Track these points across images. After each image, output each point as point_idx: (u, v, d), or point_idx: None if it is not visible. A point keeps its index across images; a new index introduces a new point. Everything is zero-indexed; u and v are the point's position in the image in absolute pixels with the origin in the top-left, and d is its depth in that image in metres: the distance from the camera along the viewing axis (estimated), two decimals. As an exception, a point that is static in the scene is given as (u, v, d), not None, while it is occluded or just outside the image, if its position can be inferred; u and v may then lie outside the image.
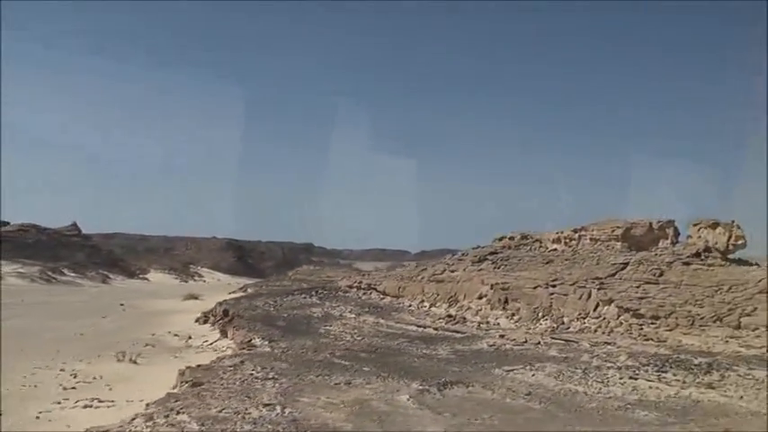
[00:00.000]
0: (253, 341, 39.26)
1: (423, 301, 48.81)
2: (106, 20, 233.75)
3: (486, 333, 39.11)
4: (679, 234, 49.60)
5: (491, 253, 50.85)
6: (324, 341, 37.87)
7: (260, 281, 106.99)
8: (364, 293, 55.71)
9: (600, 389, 24.76)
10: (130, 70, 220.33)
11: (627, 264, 44.33)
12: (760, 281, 40.29)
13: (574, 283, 41.98)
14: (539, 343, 34.92)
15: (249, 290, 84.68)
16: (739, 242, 46.51)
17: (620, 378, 26.30)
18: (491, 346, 34.72)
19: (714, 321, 34.24)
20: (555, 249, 50.99)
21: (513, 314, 42.61)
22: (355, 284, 56.88)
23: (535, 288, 43.30)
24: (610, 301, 38.99)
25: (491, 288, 44.71)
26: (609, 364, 28.78)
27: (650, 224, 48.89)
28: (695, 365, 27.66)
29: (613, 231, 49.22)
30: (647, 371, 27.18)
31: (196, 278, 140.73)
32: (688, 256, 45.43)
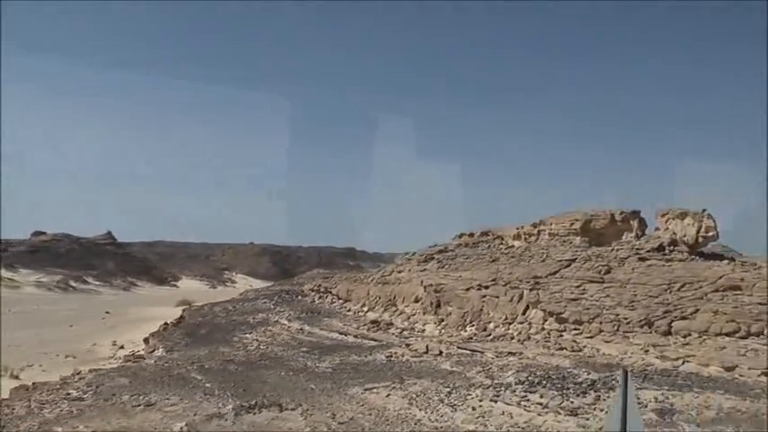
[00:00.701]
0: (155, 351, 36.45)
1: (364, 304, 44.21)
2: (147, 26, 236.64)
3: (404, 341, 34.38)
4: (646, 226, 43.02)
5: (440, 251, 45.74)
6: (225, 350, 35.12)
7: (271, 284, 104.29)
8: (320, 297, 51.59)
9: (444, 414, 20.82)
10: (171, 80, 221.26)
11: (574, 260, 38.42)
12: (720, 277, 33.83)
13: (507, 284, 36.48)
14: (440, 354, 29.99)
15: (250, 294, 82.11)
16: (710, 234, 39.71)
17: (480, 401, 21.69)
18: (388, 357, 30.12)
19: (642, 326, 28.33)
20: (512, 246, 45.28)
21: (443, 319, 37.49)
22: (315, 288, 52.78)
23: (468, 290, 38.00)
24: (537, 304, 33.37)
25: (425, 290, 39.68)
26: (488, 382, 24.22)
27: (612, 216, 42.51)
28: (576, 384, 22.46)
29: (572, 225, 43.16)
30: (515, 391, 22.25)
31: (228, 284, 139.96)
32: (648, 251, 39.05)
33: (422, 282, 40.36)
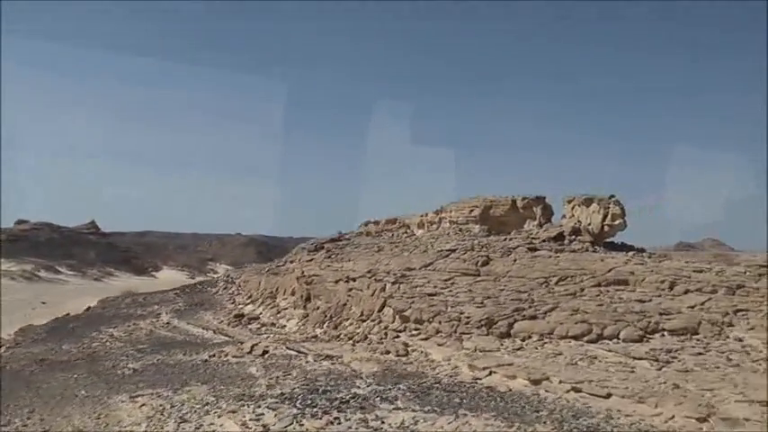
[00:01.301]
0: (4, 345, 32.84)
1: (249, 296, 39.75)
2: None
3: (256, 338, 30.00)
4: (552, 214, 37.78)
5: (332, 240, 40.98)
6: (67, 347, 31.71)
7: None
8: (225, 288, 47.30)
9: (158, 432, 16.04)
10: (159, 69, 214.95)
11: (454, 250, 33.42)
12: (610, 270, 28.67)
13: (372, 276, 31.65)
14: (263, 354, 25.35)
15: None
16: (616, 222, 34.39)
17: (218, 416, 17.27)
18: (209, 357, 25.72)
19: (480, 327, 23.31)
20: (413, 235, 40.35)
21: (308, 314, 32.81)
22: (225, 278, 48.52)
23: (337, 282, 33.26)
24: (390, 299, 28.54)
25: (297, 282, 35.04)
26: (266, 392, 19.71)
27: (513, 202, 37.35)
28: (332, 400, 17.82)
29: (471, 212, 38.11)
30: (249, 405, 17.74)
31: (209, 274, 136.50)
32: (543, 240, 33.88)
33: (302, 272, 35.69)
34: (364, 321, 28.91)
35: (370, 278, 31.38)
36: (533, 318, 23.37)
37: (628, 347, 20.44)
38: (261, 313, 35.08)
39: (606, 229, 34.40)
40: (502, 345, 21.93)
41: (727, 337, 21.80)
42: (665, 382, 16.93)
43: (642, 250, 35.13)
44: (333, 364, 22.89)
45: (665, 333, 22.09)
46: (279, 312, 34.71)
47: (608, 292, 27.24)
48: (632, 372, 17.92)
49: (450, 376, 19.54)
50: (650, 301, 25.72)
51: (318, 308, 32.90)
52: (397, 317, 26.68)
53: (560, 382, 17.36)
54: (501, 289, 27.70)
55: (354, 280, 32.07)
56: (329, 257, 38.08)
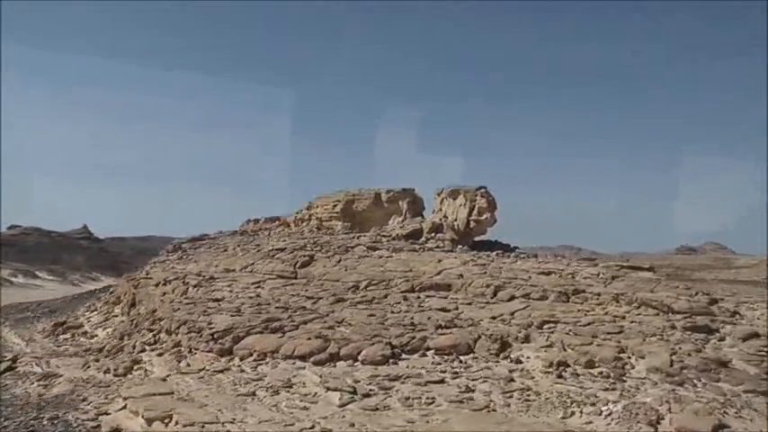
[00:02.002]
0: None
1: (106, 302, 35.35)
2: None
3: (50, 349, 25.63)
4: (423, 208, 32.29)
5: (192, 240, 36.31)
6: None
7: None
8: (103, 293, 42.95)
9: None
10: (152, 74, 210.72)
11: (282, 250, 28.34)
12: (439, 273, 23.29)
13: (181, 279, 26.84)
14: (8, 369, 20.89)
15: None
16: (483, 216, 28.76)
17: None
18: None
19: (210, 342, 18.25)
20: (289, 232, 35.36)
21: (123, 321, 28.18)
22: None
23: (157, 286, 28.55)
24: (162, 304, 23.64)
25: (127, 286, 30.46)
26: None
27: (377, 195, 31.99)
28: None
29: (334, 207, 32.89)
30: None
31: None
32: (393, 238, 28.54)
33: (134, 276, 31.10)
34: (151, 331, 24.00)
35: (179, 281, 26.54)
36: (277, 330, 18.17)
37: (344, 372, 15.07)
38: (90, 320, 30.57)
39: (473, 224, 28.78)
40: (211, 364, 16.82)
41: (508, 356, 16.19)
42: (311, 427, 11.62)
43: (511, 249, 29.30)
44: (40, 385, 18.17)
45: (428, 353, 16.59)
46: (107, 320, 30.17)
47: (418, 298, 21.83)
48: (299, 408, 12.67)
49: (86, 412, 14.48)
50: (456, 309, 20.24)
51: (140, 314, 28.20)
52: (154, 326, 21.79)
53: (177, 423, 12.22)
54: (295, 294, 22.54)
55: (167, 283, 27.26)
56: (181, 259, 33.36)
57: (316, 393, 13.83)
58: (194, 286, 24.68)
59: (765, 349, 16.20)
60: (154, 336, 21.24)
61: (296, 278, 25.15)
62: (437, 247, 27.77)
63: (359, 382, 14.33)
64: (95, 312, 33.56)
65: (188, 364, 17.28)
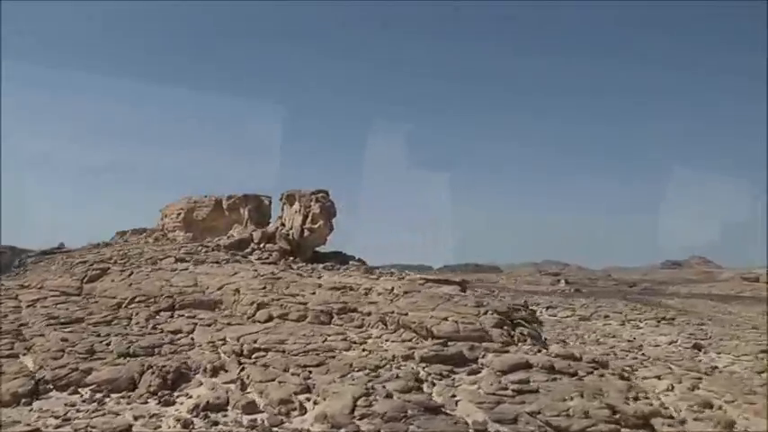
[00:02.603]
0: None
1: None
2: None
3: None
4: (269, 215, 28.61)
5: (43, 253, 32.94)
6: None
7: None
8: None
9: None
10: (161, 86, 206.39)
11: (85, 262, 24.83)
12: (221, 288, 19.64)
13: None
14: None
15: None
16: (317, 225, 25.00)
17: None
18: None
19: None
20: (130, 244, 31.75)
21: None
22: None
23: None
24: None
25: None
26: None
27: (218, 202, 28.38)
28: None
29: (179, 216, 29.32)
30: None
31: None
32: (213, 249, 24.93)
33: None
34: None
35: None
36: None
37: None
38: None
39: (306, 233, 25.02)
40: None
41: (165, 397, 12.39)
42: None
43: (345, 261, 25.32)
44: None
45: (82, 389, 12.84)
46: None
47: (171, 317, 18.11)
48: None
49: None
50: (192, 331, 16.46)
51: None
52: None
53: None
54: (51, 316, 18.90)
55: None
56: (16, 275, 29.96)
57: None
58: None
59: (514, 386, 12.21)
60: None
61: (79, 294, 21.56)
62: (258, 258, 24.04)
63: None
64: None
65: None
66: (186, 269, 22.60)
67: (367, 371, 12.64)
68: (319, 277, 21.40)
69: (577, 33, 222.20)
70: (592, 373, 13.74)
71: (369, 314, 16.78)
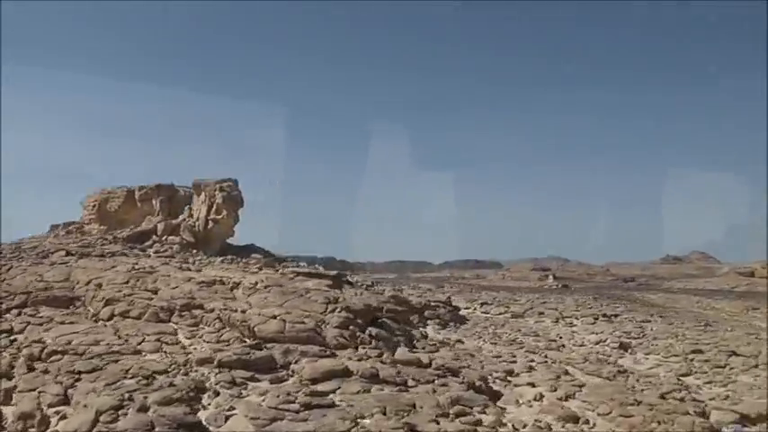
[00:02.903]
0: None
1: None
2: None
3: None
4: (186, 205, 26.73)
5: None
6: None
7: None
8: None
9: None
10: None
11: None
12: (89, 281, 17.86)
13: None
14: None
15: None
16: (221, 216, 23.13)
17: None
18: None
19: None
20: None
21: None
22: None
23: None
24: None
25: None
26: None
27: (130, 192, 26.61)
28: None
29: (93, 208, 27.62)
30: None
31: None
32: (111, 242, 23.19)
33: None
34: None
35: None
36: None
37: None
38: None
39: (210, 225, 23.12)
40: None
41: None
42: None
43: (253, 253, 23.33)
44: None
45: None
46: None
47: (19, 315, 16.32)
48: None
49: None
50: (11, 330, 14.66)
51: None
52: None
53: None
54: None
55: None
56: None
57: None
58: None
59: (306, 399, 10.16)
60: None
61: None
62: (156, 252, 22.21)
63: None
64: None
65: None
66: (66, 263, 20.85)
67: (140, 378, 10.66)
68: (199, 271, 19.48)
69: (582, 29, 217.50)
70: (432, 381, 11.64)
71: (211, 311, 14.81)
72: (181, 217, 25.17)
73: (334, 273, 19.08)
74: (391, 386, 11.02)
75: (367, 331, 13.54)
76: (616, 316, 25.92)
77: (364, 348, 12.73)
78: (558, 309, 26.79)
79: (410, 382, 11.20)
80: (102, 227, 26.94)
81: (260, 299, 15.12)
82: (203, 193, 24.03)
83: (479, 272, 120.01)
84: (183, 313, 14.90)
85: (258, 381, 11.08)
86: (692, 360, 18.96)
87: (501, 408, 11.66)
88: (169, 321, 14.73)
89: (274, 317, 13.14)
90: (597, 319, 24.64)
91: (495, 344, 19.99)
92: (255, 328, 12.69)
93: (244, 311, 13.72)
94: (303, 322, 12.98)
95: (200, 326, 14.22)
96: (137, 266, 19.35)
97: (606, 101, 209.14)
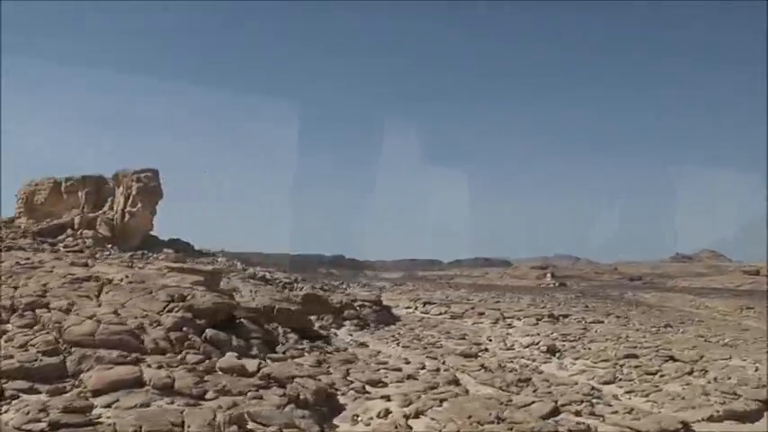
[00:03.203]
0: None
1: None
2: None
3: None
4: (112, 197, 25.45)
5: None
6: None
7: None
8: None
9: None
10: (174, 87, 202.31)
11: None
12: None
13: None
14: None
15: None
16: (136, 207, 21.80)
17: None
18: None
19: None
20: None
21: None
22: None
23: None
24: None
25: None
26: None
27: (56, 184, 25.46)
28: None
29: (22, 201, 26.58)
30: None
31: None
32: (21, 236, 22.05)
33: None
34: None
35: None
36: None
37: None
38: None
39: (127, 217, 21.80)
40: None
41: None
42: None
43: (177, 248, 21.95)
44: None
45: None
46: None
47: None
48: None
49: None
50: None
51: None
52: None
53: None
54: None
55: None
56: None
57: None
58: None
59: (67, 417, 8.65)
60: None
61: None
62: (66, 246, 20.98)
63: None
64: None
65: None
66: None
67: None
68: (91, 267, 18.13)
69: (599, 26, 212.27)
70: (244, 393, 10.00)
71: (59, 310, 13.38)
72: (103, 210, 23.97)
73: (210, 269, 17.58)
74: (185, 398, 9.44)
75: (203, 334, 11.98)
76: (565, 316, 23.96)
77: (189, 354, 11.18)
78: (501, 309, 24.87)
79: (210, 395, 9.59)
80: (30, 220, 25.87)
81: (111, 296, 13.68)
82: (122, 185, 22.76)
83: (488, 270, 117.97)
84: (25, 313, 13.51)
85: (37, 393, 9.62)
86: (621, 366, 17.04)
87: (326, 427, 9.96)
88: (8, 322, 13.39)
89: (92, 317, 11.67)
90: (540, 319, 22.73)
91: (407, 347, 18.27)
92: (66, 331, 11.24)
93: (67, 311, 12.27)
94: (123, 323, 11.49)
95: (35, 327, 12.82)
96: (23, 262, 18.11)
97: (611, 96, 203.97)
